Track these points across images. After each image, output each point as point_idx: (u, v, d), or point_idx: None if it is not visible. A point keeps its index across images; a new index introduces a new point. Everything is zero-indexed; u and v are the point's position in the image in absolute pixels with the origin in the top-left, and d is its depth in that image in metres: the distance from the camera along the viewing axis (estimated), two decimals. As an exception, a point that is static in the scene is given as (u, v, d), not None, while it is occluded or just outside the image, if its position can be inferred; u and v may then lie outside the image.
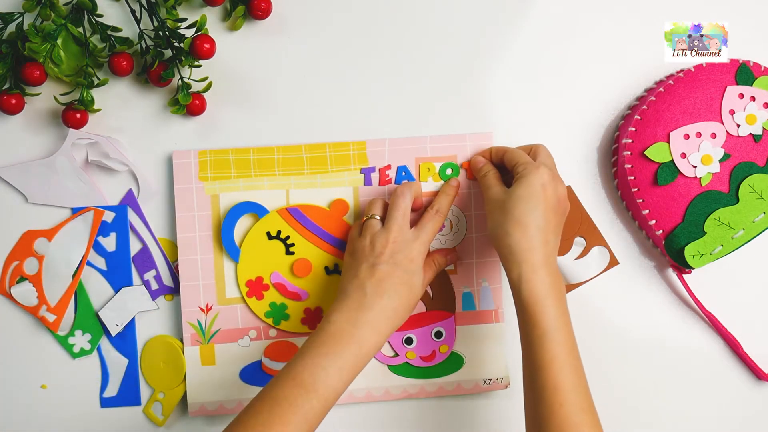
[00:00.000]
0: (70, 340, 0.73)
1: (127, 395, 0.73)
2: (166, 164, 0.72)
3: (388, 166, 0.72)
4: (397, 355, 0.73)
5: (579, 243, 0.72)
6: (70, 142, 0.70)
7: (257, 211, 0.71)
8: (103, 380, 0.73)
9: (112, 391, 0.73)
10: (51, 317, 0.72)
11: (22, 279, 0.72)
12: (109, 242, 0.72)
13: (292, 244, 0.72)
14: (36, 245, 0.72)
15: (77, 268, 0.72)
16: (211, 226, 0.71)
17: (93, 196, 0.72)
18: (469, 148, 0.72)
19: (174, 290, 0.73)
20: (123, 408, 0.73)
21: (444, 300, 0.73)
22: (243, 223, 0.72)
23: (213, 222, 0.71)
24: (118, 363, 0.73)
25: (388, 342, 0.72)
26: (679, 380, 0.75)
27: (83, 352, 0.73)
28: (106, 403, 0.73)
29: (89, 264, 0.72)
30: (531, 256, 0.63)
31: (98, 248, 0.72)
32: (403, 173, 0.72)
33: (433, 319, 0.73)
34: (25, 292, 0.72)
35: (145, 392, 0.73)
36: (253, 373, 0.72)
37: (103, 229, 0.72)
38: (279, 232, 0.71)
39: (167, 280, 0.72)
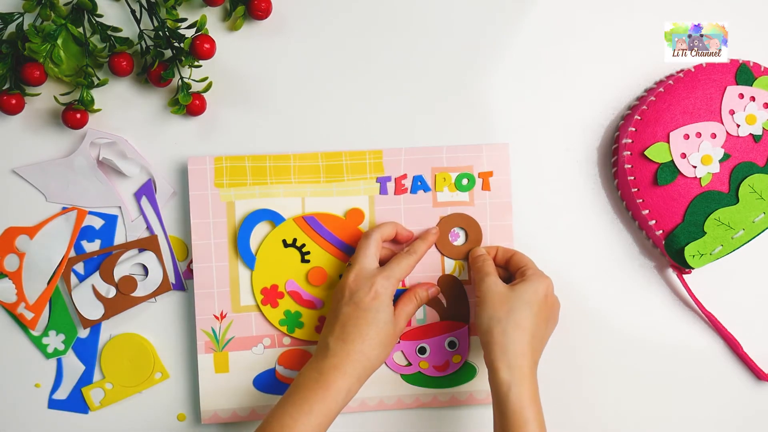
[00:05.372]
0: (44, 340, 0.73)
1: (77, 401, 0.73)
2: (166, 164, 0.72)
3: (404, 176, 0.72)
4: (410, 364, 0.73)
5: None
6: (88, 142, 0.70)
7: (273, 218, 0.71)
8: (56, 381, 0.73)
9: (62, 394, 0.73)
10: (29, 315, 0.72)
11: (2, 275, 0.72)
12: (92, 248, 0.72)
13: (308, 253, 0.72)
14: (17, 242, 0.72)
15: (57, 267, 0.72)
16: (227, 233, 0.71)
17: (110, 197, 0.72)
18: (486, 158, 0.72)
19: (176, 287, 0.73)
20: (70, 413, 0.73)
21: (458, 310, 0.73)
22: (259, 230, 0.72)
23: (228, 229, 0.71)
24: (74, 368, 0.73)
25: (402, 351, 0.73)
26: (679, 380, 0.75)
27: (57, 353, 0.73)
28: (54, 404, 0.73)
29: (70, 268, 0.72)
30: (523, 362, 0.64)
31: (80, 252, 0.72)
32: (419, 183, 0.72)
33: (446, 329, 0.73)
34: (4, 288, 0.72)
35: (96, 398, 0.73)
36: (266, 381, 0.72)
37: (89, 233, 0.72)
38: (295, 240, 0.72)
39: (170, 276, 0.73)
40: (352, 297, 0.66)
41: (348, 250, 0.72)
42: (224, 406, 0.72)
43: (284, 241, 0.72)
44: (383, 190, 0.72)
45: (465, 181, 0.72)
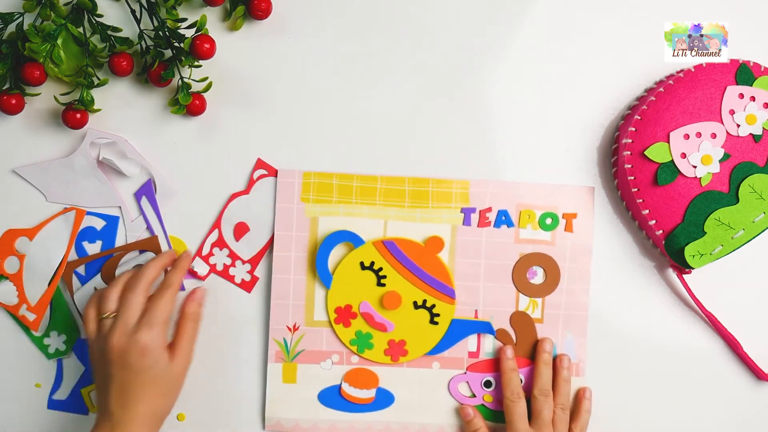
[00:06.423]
0: (45, 341, 0.73)
1: (77, 402, 0.73)
2: (166, 164, 0.72)
3: (489, 209, 0.72)
4: (474, 396, 0.73)
5: None
6: (88, 142, 0.70)
7: (353, 240, 0.72)
8: (56, 382, 0.73)
9: (62, 394, 0.73)
10: (31, 316, 0.72)
11: (3, 278, 0.72)
12: (94, 249, 0.72)
13: (384, 276, 0.72)
14: (17, 244, 0.72)
15: (57, 268, 0.72)
16: (307, 247, 0.72)
17: (110, 197, 0.72)
18: (571, 199, 0.73)
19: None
20: (69, 414, 0.74)
21: (526, 347, 0.73)
22: (338, 250, 0.72)
23: (310, 244, 0.72)
24: (74, 368, 0.73)
25: (467, 382, 0.73)
26: (679, 380, 0.75)
27: (58, 353, 0.73)
28: (53, 404, 0.73)
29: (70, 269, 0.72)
30: None
31: (81, 253, 0.72)
32: (503, 217, 0.72)
33: None
34: (5, 290, 0.72)
35: (95, 399, 0.74)
36: (331, 396, 0.73)
37: (90, 234, 0.72)
38: (372, 264, 0.72)
39: None
40: (123, 360, 0.64)
41: (424, 277, 0.72)
42: (288, 415, 0.73)
43: (362, 264, 0.72)
44: (467, 221, 0.72)
45: (549, 221, 0.72)
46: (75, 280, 0.72)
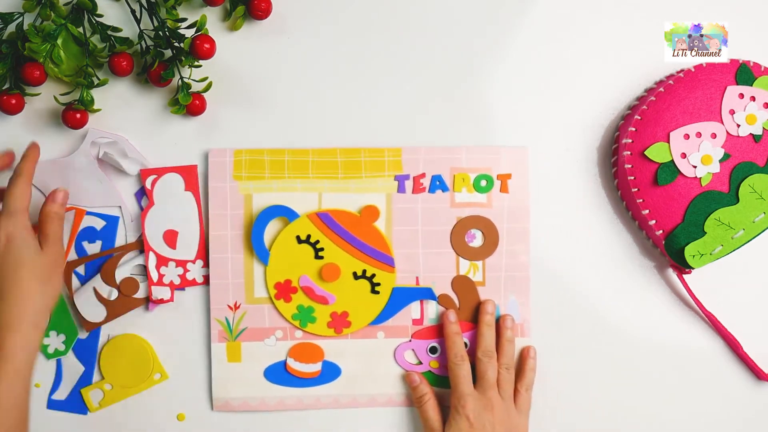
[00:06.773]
0: (45, 341, 0.73)
1: (76, 402, 0.73)
2: (166, 164, 0.72)
3: (423, 175, 0.72)
4: (420, 363, 0.73)
5: None
6: (89, 141, 0.70)
7: (287, 215, 0.71)
8: (56, 382, 0.73)
9: (61, 394, 0.73)
10: None
11: None
12: (94, 249, 0.72)
13: (322, 249, 0.72)
14: None
15: None
16: (243, 225, 0.72)
17: (111, 197, 0.72)
18: (504, 160, 0.72)
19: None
20: (69, 414, 0.73)
21: (469, 311, 0.73)
22: (273, 226, 0.72)
23: (245, 221, 0.72)
24: (74, 368, 0.73)
25: (413, 350, 0.73)
26: (679, 380, 0.75)
27: (58, 353, 0.73)
28: (53, 404, 0.73)
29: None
30: None
31: (81, 253, 0.72)
32: (438, 182, 0.72)
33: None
34: None
35: (95, 398, 0.74)
36: (277, 372, 0.73)
37: (90, 234, 0.72)
38: (308, 237, 0.72)
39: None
40: None
41: (362, 247, 0.72)
42: (235, 394, 0.72)
43: (298, 238, 0.72)
44: (401, 189, 0.72)
45: (483, 183, 0.72)
46: (75, 280, 0.72)
